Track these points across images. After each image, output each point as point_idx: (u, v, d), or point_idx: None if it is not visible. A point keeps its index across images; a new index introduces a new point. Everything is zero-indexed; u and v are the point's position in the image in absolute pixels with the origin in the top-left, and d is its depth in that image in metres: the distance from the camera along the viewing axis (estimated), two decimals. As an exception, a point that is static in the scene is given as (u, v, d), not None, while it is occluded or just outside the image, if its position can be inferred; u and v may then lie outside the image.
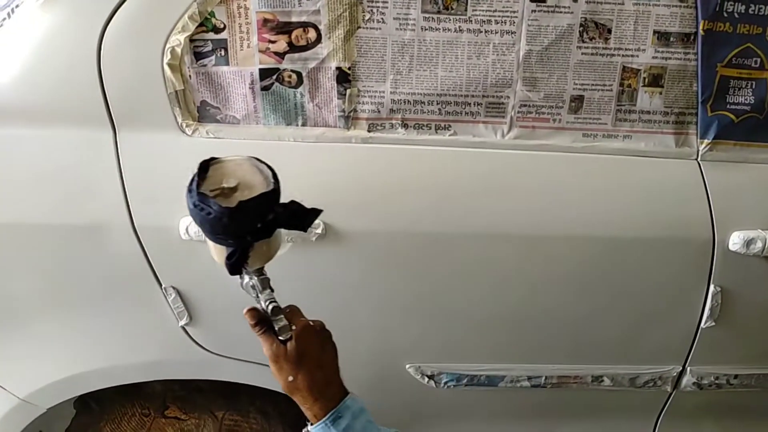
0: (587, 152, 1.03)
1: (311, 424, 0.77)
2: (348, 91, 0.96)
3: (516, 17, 0.95)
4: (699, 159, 1.06)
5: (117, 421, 1.16)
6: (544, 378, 1.17)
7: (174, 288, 0.98)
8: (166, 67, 0.91)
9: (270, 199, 0.72)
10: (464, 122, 1.01)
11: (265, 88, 0.95)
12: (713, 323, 1.11)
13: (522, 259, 1.04)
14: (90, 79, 0.90)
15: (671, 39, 0.99)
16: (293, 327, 0.76)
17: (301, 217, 0.75)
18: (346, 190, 0.97)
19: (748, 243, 1.04)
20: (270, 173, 0.74)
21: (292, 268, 0.98)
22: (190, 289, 0.99)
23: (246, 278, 0.80)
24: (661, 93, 1.02)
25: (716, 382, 1.23)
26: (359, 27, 0.94)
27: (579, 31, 0.98)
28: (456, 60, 0.97)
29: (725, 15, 0.98)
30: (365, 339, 1.08)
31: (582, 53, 0.99)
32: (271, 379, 1.09)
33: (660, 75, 1.01)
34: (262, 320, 0.77)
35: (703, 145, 1.05)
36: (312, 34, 0.93)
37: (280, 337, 0.76)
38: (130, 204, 0.93)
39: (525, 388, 1.18)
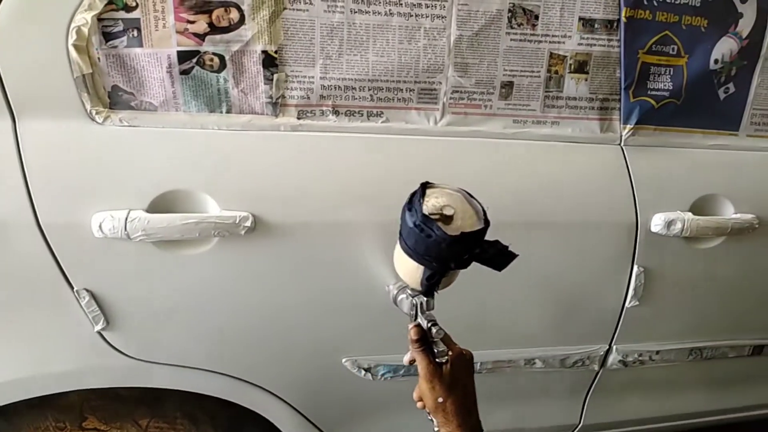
0: (517, 138, 1.04)
1: None
2: (275, 76, 0.91)
3: (446, 1, 0.94)
4: (622, 144, 1.09)
5: (28, 438, 1.06)
6: (479, 364, 1.18)
7: (87, 290, 0.90)
8: (71, 49, 0.83)
9: (483, 234, 0.76)
10: (397, 108, 0.98)
11: (184, 72, 0.88)
12: (637, 302, 1.16)
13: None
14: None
15: (596, 26, 1.01)
16: (449, 352, 0.80)
17: (502, 257, 0.79)
18: (277, 181, 0.93)
19: (669, 224, 1.08)
20: (481, 208, 0.79)
21: (223, 263, 0.93)
22: (105, 291, 0.91)
23: (411, 298, 0.85)
24: (586, 79, 1.04)
25: (639, 359, 1.28)
26: (285, 8, 0.89)
27: (507, 17, 0.98)
28: (387, 44, 0.94)
29: (645, 3, 1.01)
30: (300, 335, 1.04)
31: (511, 39, 0.99)
32: (199, 382, 1.05)
33: (585, 62, 1.03)
34: (422, 338, 0.81)
35: (626, 131, 1.08)
36: (234, 15, 0.87)
37: (437, 359, 0.80)
38: (33, 200, 0.84)
39: (461, 375, 1.19)
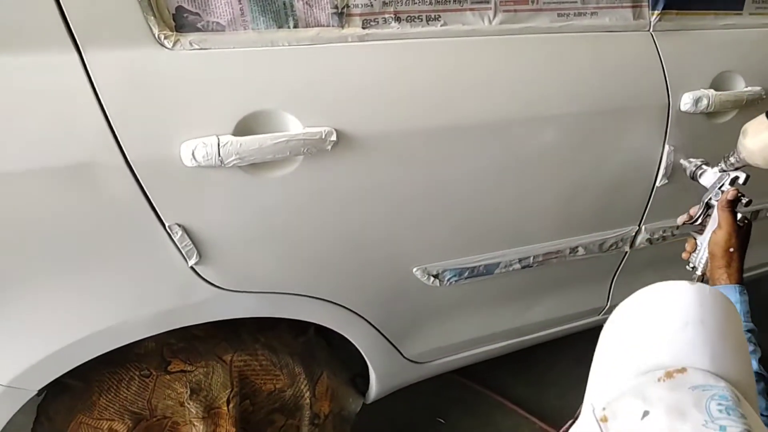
0: (563, 31, 1.07)
1: (723, 284, 1.00)
2: (339, -16, 0.89)
3: None
4: (651, 30, 1.15)
5: (114, 390, 1.04)
6: (532, 258, 1.25)
7: (179, 225, 0.88)
8: (132, -32, 0.78)
9: None
10: (452, 11, 0.99)
11: (250, -13, 0.85)
12: (666, 181, 1.25)
13: (509, 145, 1.07)
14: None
15: None
16: (746, 219, 1.04)
17: None
18: (351, 94, 0.92)
19: (697, 101, 1.17)
20: None
21: (309, 181, 0.92)
22: (196, 223, 0.89)
23: (727, 172, 1.09)
24: (620, -32, 1.08)
25: (663, 235, 1.39)
26: None
27: None
28: (442, -56, 0.93)
29: None
30: (376, 247, 1.07)
31: (552, -68, 1.01)
32: (287, 306, 1.06)
33: (619, -50, 1.07)
34: (734, 202, 1.03)
35: (654, 17, 1.14)
36: None
37: (738, 222, 1.02)
38: (118, 136, 0.80)
39: (516, 271, 1.25)
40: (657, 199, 1.30)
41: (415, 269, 1.14)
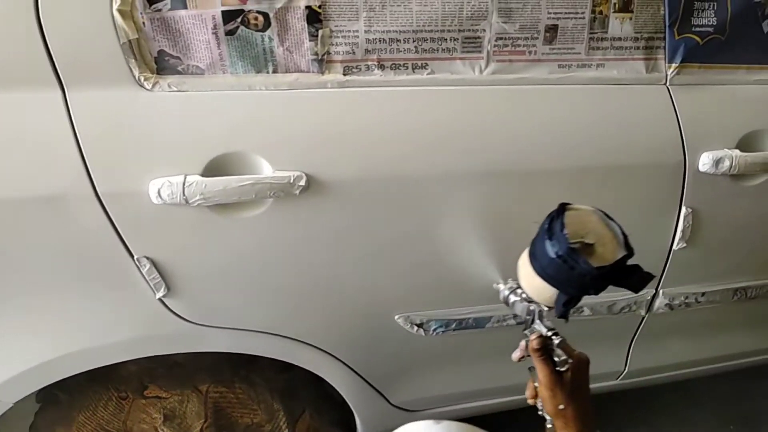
0: (563, 83, 1.02)
1: None
2: (320, 32, 0.90)
3: (488, -56, 0.92)
4: (668, 84, 1.07)
5: (92, 409, 1.08)
6: (528, 314, 1.19)
7: (147, 258, 0.91)
8: (116, 14, 0.82)
9: (626, 261, 0.73)
10: (441, 59, 0.97)
11: (229, 33, 0.87)
12: (684, 244, 1.16)
13: (503, 196, 1.03)
14: (29, 32, 0.79)
15: (640, -38, 0.99)
16: (569, 360, 0.78)
17: (642, 281, 0.76)
18: (327, 139, 0.92)
19: (717, 162, 1.07)
20: (619, 230, 0.75)
21: (278, 224, 0.93)
22: (165, 258, 0.92)
23: (527, 303, 0.84)
24: (631, 18, 1.02)
25: (686, 301, 1.28)
26: (327, -39, 0.87)
27: (548, -42, 0.95)
28: (430, -7, 0.92)
29: (690, -65, 0.98)
30: (354, 293, 1.05)
31: (554, -20, 0.97)
32: (258, 344, 1.06)
33: (629, 0, 1.01)
34: (544, 347, 0.80)
35: (671, 69, 1.06)
36: (277, -30, 0.86)
37: (558, 368, 0.79)
38: (90, 171, 0.84)
39: (511, 327, 1.20)
40: (676, 264, 1.20)
41: (397, 317, 1.11)
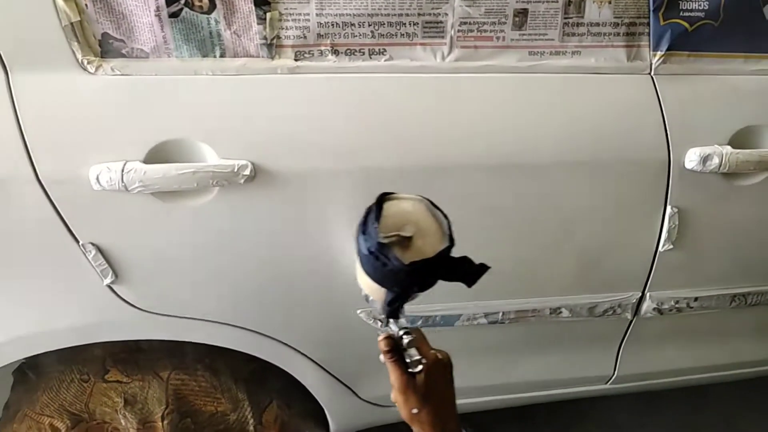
0: (534, 72, 0.96)
1: None
2: (268, 15, 0.86)
3: None
4: (652, 73, 1.00)
5: (55, 389, 1.09)
6: (501, 314, 1.14)
7: (93, 244, 0.90)
8: (56, -4, 0.80)
9: (448, 254, 0.68)
10: (400, 45, 0.92)
11: (173, 15, 0.84)
12: (671, 246, 1.08)
13: (469, 191, 0.98)
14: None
15: (619, -60, 0.91)
16: (423, 360, 0.72)
17: (472, 274, 0.71)
18: (275, 127, 0.89)
19: (705, 159, 0.99)
20: (445, 222, 0.70)
21: (225, 213, 0.91)
22: (112, 244, 0.91)
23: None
24: (610, 2, 0.94)
25: (676, 306, 1.21)
26: (274, -61, 0.83)
27: (520, -63, 0.89)
28: (386, -27, 0.87)
29: None
30: (309, 286, 1.02)
31: (524, -39, 0.90)
32: (214, 334, 1.05)
33: (608, -18, 0.93)
34: (394, 348, 0.73)
35: (656, 58, 0.98)
36: (220, -51, 0.83)
37: (410, 369, 0.72)
38: (32, 154, 0.83)
39: (482, 326, 1.15)
40: (663, 266, 1.12)
41: (359, 312, 1.08)
